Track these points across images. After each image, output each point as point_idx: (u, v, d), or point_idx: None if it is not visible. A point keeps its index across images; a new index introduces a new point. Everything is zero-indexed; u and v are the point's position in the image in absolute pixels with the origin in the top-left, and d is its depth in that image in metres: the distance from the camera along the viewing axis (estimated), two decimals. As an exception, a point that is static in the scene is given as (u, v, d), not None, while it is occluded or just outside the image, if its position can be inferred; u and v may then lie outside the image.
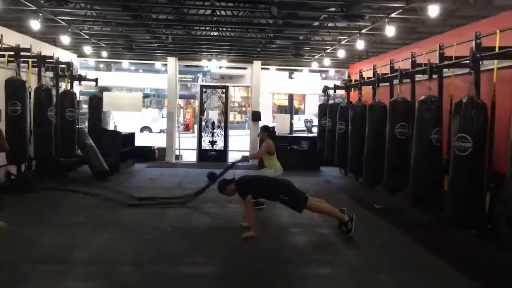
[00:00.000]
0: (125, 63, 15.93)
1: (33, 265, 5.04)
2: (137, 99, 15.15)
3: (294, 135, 16.75)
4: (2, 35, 8.33)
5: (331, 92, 13.06)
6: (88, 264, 5.19)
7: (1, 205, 7.06)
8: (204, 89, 15.20)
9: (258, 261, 5.46)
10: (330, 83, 13.66)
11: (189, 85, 32.08)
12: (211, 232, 6.69)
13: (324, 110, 12.61)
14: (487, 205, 5.91)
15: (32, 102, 9.19)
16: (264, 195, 6.79)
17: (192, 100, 32.84)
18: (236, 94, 33.38)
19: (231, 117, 19.00)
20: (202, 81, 29.49)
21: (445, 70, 7.32)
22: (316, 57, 13.14)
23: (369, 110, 9.12)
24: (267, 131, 8.43)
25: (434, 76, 7.27)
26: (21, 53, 8.81)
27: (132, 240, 6.14)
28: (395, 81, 8.88)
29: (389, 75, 9.05)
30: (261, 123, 14.91)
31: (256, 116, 14.64)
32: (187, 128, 27.00)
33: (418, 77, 8.32)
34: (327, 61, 13.39)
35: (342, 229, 6.57)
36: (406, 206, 8.24)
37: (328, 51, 11.98)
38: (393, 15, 7.60)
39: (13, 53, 8.65)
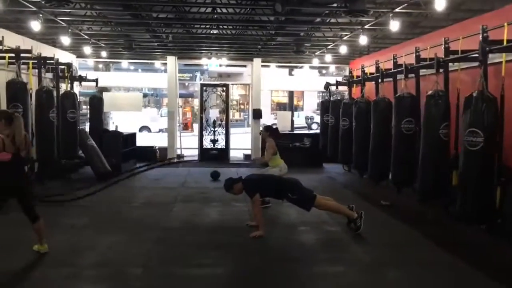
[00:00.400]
0: (124, 63, 15.86)
1: (45, 270, 4.99)
2: (137, 99, 15.08)
3: (296, 132, 16.71)
4: (3, 37, 8.23)
5: (333, 88, 13.01)
6: (98, 266, 5.14)
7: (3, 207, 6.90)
8: (204, 88, 15.11)
9: (268, 261, 5.41)
10: (329, 80, 13.64)
11: (186, 84, 32.04)
12: (219, 231, 6.62)
13: (326, 106, 12.56)
14: (498, 200, 5.87)
15: (34, 104, 9.12)
16: (271, 194, 6.72)
17: (190, 99, 32.79)
18: (234, 92, 33.31)
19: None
20: (200, 79, 29.48)
21: (449, 64, 7.28)
22: (317, 53, 13.07)
23: (373, 106, 9.07)
24: (269, 131, 8.37)
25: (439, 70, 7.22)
26: (21, 55, 8.72)
27: (139, 241, 6.07)
28: (399, 76, 8.84)
29: (393, 70, 8.99)
30: (261, 121, 14.94)
31: (257, 114, 14.57)
32: (186, 127, 26.93)
33: (422, 71, 8.30)
34: (328, 58, 13.33)
35: (350, 227, 6.53)
36: (413, 202, 8.19)
37: (329, 47, 11.92)
38: (397, 9, 7.54)
39: (13, 54, 8.56)
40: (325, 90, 13.46)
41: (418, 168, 7.28)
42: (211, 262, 5.36)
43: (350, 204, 6.70)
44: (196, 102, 32.06)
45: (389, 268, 5.17)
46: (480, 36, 6.01)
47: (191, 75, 30.76)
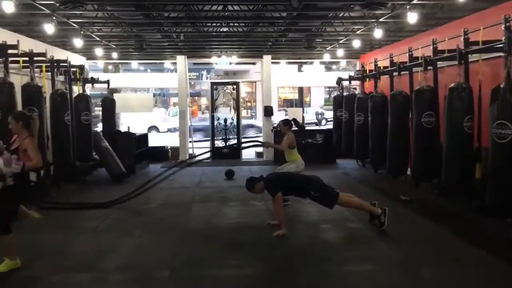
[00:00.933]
0: (134, 64, 15.78)
1: (68, 275, 4.94)
2: (148, 99, 15.02)
3: (308, 128, 16.62)
4: (18, 41, 8.18)
5: (345, 83, 12.89)
6: (123, 269, 5.07)
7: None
8: (215, 86, 15.05)
9: (294, 260, 5.32)
10: (338, 75, 13.52)
11: (192, 83, 31.99)
12: (240, 231, 6.55)
13: (339, 102, 12.45)
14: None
15: (48, 107, 9.09)
16: (294, 192, 6.62)
17: (196, 98, 32.72)
18: (241, 90, 33.17)
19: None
20: (207, 78, 29.42)
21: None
22: (328, 48, 12.95)
23: (391, 100, 8.96)
24: (288, 125, 8.21)
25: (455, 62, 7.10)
26: (35, 58, 8.68)
27: (162, 243, 6.03)
28: (415, 69, 8.73)
29: (409, 63, 8.87)
30: (272, 118, 14.86)
31: (268, 111, 14.48)
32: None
33: (439, 64, 8.19)
34: (339, 52, 13.20)
35: (374, 223, 6.45)
36: (433, 197, 8.13)
37: (340, 42, 11.80)
38: (415, 1, 7.41)
39: (27, 58, 8.51)
40: (336, 85, 13.32)
41: (440, 162, 7.17)
42: (237, 262, 5.28)
43: (372, 201, 6.61)
44: (203, 101, 32.04)
45: (422, 265, 5.04)
46: (503, 26, 5.89)
47: (197, 74, 30.69)
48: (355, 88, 13.39)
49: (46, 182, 8.98)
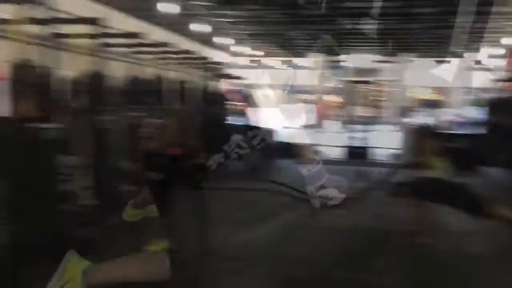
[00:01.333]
0: (270, 60, 16.18)
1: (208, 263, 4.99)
2: (275, 95, 15.26)
3: (448, 132, 15.57)
4: (172, 42, 8.82)
5: (496, 84, 11.82)
6: (258, 264, 5.13)
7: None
8: (348, 84, 14.84)
9: (435, 273, 5.01)
10: (485, 75, 12.46)
11: (323, 80, 31.86)
12: (377, 235, 6.35)
13: (490, 104, 11.43)
14: None
15: (190, 102, 9.66)
16: (438, 198, 6.19)
17: (325, 95, 32.51)
18: (373, 88, 32.28)
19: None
20: (338, 75, 29.15)
21: None
22: (475, 46, 12.02)
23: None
24: (424, 131, 7.69)
25: None
26: (183, 55, 9.29)
27: (299, 241, 6.04)
28: None
29: None
30: (407, 119, 14.19)
31: (403, 112, 13.88)
32: (323, 123, 26.74)
33: None
34: (487, 51, 12.18)
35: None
36: None
37: (491, 39, 10.86)
38: None
39: (175, 55, 9.14)
40: (488, 87, 12.29)
41: None
42: (376, 268, 5.12)
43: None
44: (332, 98, 31.81)
45: None
46: None
47: (328, 71, 30.52)
48: (505, 90, 12.21)
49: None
